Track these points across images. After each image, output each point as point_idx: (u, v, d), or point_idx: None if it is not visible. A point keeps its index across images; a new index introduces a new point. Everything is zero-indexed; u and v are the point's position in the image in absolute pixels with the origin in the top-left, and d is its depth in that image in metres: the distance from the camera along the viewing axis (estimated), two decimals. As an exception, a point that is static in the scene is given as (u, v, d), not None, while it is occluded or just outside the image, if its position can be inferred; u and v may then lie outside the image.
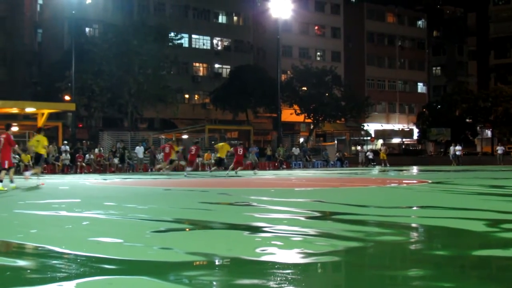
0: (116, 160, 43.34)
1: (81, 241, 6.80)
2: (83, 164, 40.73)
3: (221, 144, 32.52)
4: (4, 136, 18.61)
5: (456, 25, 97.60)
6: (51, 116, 43.65)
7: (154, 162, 44.92)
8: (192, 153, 33.27)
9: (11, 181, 19.05)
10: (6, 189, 17.85)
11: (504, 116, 74.16)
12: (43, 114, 41.81)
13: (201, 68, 72.60)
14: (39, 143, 21.46)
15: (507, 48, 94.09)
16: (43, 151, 21.77)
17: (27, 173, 22.87)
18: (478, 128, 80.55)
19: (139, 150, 44.61)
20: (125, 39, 51.31)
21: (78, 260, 5.67)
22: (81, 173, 39.24)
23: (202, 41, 71.95)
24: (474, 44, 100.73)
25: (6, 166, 18.66)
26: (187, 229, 8.33)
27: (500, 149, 60.39)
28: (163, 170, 34.82)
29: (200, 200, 13.21)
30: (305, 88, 66.84)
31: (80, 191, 17.81)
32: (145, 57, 51.72)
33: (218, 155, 32.13)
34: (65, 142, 42.44)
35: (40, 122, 40.88)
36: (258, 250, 5.99)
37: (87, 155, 42.17)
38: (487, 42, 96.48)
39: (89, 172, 39.36)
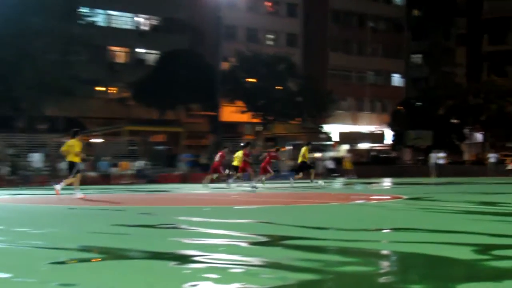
0: (5, 171, 42.81)
1: (-46, 275, 6.63)
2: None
3: (304, 148, 35.81)
4: None
5: (442, 3, 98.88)
6: None
7: (56, 173, 44.40)
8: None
9: None
10: None
11: (498, 115, 75.43)
12: None
13: (120, 54, 72.16)
14: (71, 149, 22.72)
15: (504, 32, 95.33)
16: (76, 159, 22.87)
17: (58, 186, 23.28)
18: (466, 130, 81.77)
19: (37, 158, 44.06)
20: (22, 16, 50.65)
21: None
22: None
23: (122, 19, 71.50)
24: (464, 26, 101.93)
25: None
26: (96, 260, 8.23)
27: (492, 157, 61.70)
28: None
29: (113, 221, 13.19)
30: (252, 80, 67.01)
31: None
32: (48, 38, 51.17)
33: (300, 160, 35.29)
34: None
35: None
36: (187, 286, 5.94)
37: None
38: (479, 24, 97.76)
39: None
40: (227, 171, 37.55)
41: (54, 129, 62.23)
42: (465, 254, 7.92)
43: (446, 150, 65.25)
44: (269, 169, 36.36)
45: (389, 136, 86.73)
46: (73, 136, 23.34)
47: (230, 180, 36.08)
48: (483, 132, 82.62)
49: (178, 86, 61.16)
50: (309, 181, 36.78)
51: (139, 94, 64.58)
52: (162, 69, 63.62)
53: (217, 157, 36.93)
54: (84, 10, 58.05)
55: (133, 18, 72.30)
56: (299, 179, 36.68)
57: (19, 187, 39.40)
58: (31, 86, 51.77)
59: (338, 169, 55.77)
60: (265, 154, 36.95)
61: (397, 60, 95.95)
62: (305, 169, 36.29)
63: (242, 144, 37.28)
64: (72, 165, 22.97)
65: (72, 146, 22.75)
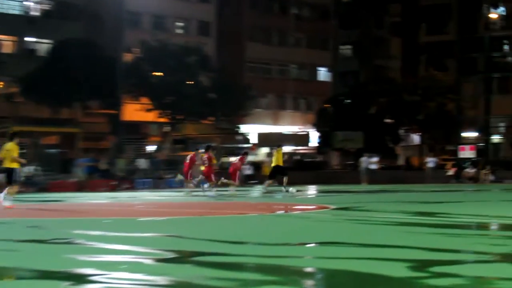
0: None
1: None
2: None
3: (279, 150, 36.09)
4: None
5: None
6: None
7: None
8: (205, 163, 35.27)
9: None
10: None
11: (438, 115, 76.42)
12: None
13: (6, 43, 71.14)
14: (7, 154, 22.99)
15: (444, 20, 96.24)
16: (14, 165, 23.17)
17: (7, 202, 23.13)
18: (401, 131, 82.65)
19: None
20: None
21: None
22: None
23: (8, 4, 70.53)
24: (399, 13, 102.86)
25: None
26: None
27: (431, 162, 62.51)
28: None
29: (-2, 236, 12.91)
30: (158, 74, 66.74)
31: None
32: None
33: (274, 164, 35.47)
34: None
35: None
36: (81, 310, 5.88)
37: None
38: (416, 12, 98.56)
39: None
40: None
41: None
42: (400, 271, 8.00)
43: (378, 153, 65.80)
44: (237, 176, 36.62)
45: (314, 138, 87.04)
46: (11, 139, 23.60)
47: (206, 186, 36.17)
48: (420, 133, 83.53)
49: (73, 80, 60.49)
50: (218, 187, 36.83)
51: (29, 89, 63.68)
52: (55, 60, 62.79)
53: (187, 159, 37.32)
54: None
55: (21, 2, 71.34)
56: (271, 185, 37.06)
57: None
58: None
59: (256, 175, 55.81)
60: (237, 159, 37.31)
61: (323, 51, 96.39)
62: (280, 174, 36.58)
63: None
64: (10, 171, 23.15)
65: (9, 151, 22.97)
